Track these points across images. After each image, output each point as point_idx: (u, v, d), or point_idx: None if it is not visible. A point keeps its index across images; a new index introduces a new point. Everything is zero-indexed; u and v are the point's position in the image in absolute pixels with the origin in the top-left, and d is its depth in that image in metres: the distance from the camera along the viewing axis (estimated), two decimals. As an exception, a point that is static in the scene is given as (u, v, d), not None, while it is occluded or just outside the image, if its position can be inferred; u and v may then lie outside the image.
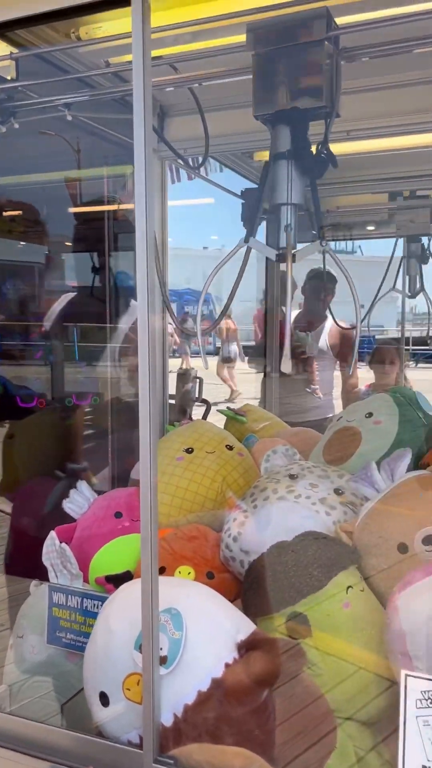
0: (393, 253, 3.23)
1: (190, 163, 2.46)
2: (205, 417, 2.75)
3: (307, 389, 3.54)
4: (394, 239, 3.23)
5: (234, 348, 8.02)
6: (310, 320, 3.55)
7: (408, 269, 3.13)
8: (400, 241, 3.17)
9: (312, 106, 1.49)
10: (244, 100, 2.23)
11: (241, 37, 1.64)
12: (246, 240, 1.70)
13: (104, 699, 1.18)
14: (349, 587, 1.37)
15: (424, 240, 3.12)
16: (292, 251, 1.61)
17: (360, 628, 1.34)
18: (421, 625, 1.17)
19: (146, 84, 1.08)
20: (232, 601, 1.47)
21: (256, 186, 3.08)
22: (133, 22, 1.09)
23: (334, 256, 1.76)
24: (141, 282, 1.12)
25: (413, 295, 3.15)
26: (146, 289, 1.12)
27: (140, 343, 1.13)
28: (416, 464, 1.80)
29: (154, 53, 1.72)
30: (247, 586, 1.48)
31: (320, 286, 3.48)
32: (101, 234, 2.55)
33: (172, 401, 2.66)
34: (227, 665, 1.14)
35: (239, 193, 2.96)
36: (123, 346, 2.58)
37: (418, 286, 3.13)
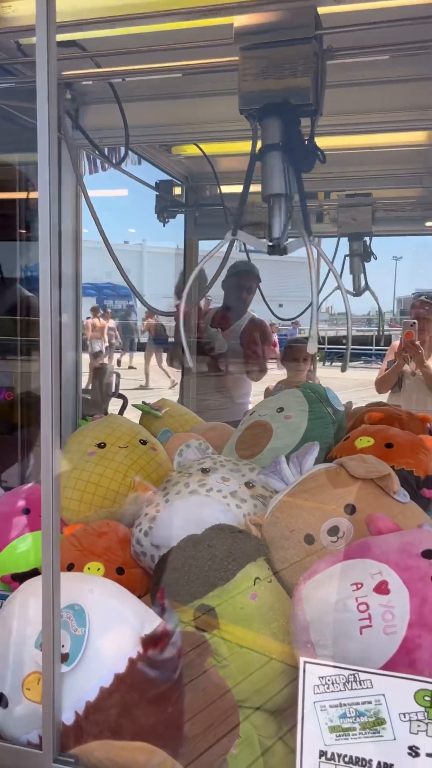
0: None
1: (108, 153, 2.42)
2: (121, 412, 2.72)
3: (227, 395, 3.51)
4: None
5: (100, 344, 8.35)
6: (227, 317, 3.51)
7: (351, 268, 3.16)
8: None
9: (298, 103, 1.51)
10: (166, 92, 2.22)
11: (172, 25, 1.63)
12: (234, 233, 1.69)
13: (2, 700, 1.15)
14: (256, 578, 1.39)
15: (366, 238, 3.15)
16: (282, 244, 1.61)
17: (267, 619, 1.35)
18: (324, 614, 1.20)
19: (50, 69, 1.05)
20: (142, 596, 1.46)
21: (171, 178, 3.06)
22: (37, 5, 1.06)
23: (321, 251, 1.77)
24: (44, 275, 1.09)
25: (358, 294, 3.19)
26: (49, 283, 1.09)
27: (43, 337, 1.10)
28: (325, 458, 1.85)
29: (66, 37, 1.69)
30: (155, 580, 1.47)
31: (242, 282, 3.46)
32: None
33: (87, 396, 2.62)
34: (131, 660, 1.14)
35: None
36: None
37: (363, 284, 3.18)
